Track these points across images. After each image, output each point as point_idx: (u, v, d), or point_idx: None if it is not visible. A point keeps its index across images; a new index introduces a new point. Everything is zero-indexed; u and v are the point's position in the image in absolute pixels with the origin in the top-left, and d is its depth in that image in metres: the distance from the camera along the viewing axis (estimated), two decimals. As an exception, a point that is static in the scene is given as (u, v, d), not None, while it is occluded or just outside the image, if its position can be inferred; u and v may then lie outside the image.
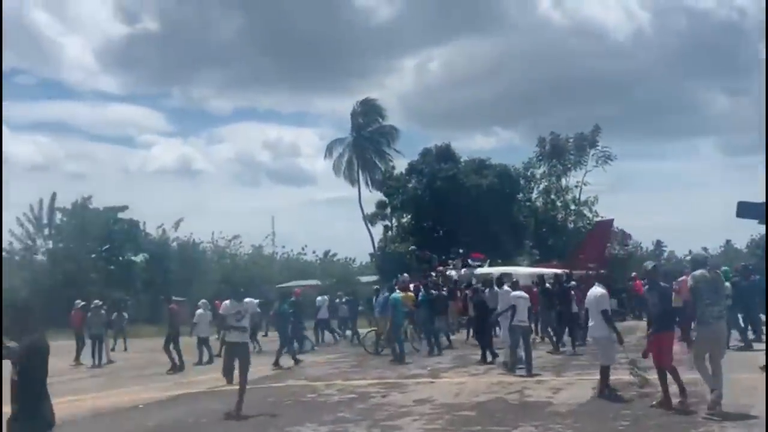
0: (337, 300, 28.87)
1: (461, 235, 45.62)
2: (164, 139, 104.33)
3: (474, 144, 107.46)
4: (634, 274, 31.95)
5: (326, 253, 64.42)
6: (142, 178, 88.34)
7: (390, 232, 52.57)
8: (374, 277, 50.66)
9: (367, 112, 53.63)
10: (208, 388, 14.41)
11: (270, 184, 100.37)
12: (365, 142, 53.71)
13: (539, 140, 49.38)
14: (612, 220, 40.32)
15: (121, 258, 50.62)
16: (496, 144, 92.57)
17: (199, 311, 20.60)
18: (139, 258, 51.50)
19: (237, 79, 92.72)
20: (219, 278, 47.78)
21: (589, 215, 52.63)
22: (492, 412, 10.49)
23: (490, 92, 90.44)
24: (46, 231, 47.78)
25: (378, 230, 54.31)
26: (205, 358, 19.67)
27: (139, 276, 49.79)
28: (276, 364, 17.26)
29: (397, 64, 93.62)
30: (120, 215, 50.47)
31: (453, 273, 32.57)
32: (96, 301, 22.25)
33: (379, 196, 53.77)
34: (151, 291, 46.29)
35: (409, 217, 50.68)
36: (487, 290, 17.73)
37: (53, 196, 47.90)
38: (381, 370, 16.07)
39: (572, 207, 52.70)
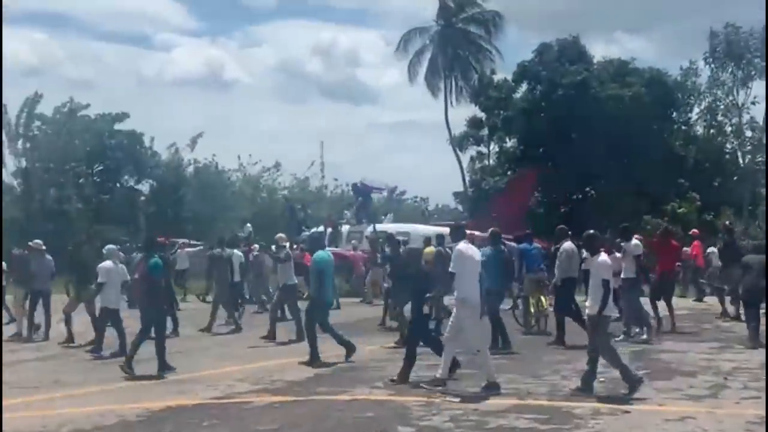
0: None
1: (592, 166, 40.89)
2: (187, 39, 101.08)
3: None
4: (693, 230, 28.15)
5: (392, 191, 60.94)
6: (157, 88, 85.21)
7: (487, 162, 48.00)
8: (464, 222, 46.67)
9: (462, -10, 48.56)
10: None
11: (320, 101, 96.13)
12: (457, 34, 48.71)
13: (711, 34, 43.58)
14: (533, 172, 38.47)
15: (118, 184, 47.75)
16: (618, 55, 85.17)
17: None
18: (144, 186, 48.80)
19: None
20: (251, 216, 44.42)
21: (772, 145, 47.22)
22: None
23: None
24: (20, 144, 44.63)
25: (466, 160, 50.08)
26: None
27: (142, 209, 46.89)
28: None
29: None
30: (118, 127, 47.27)
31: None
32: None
33: (470, 112, 49.20)
34: (158, 229, 43.21)
35: (515, 140, 45.84)
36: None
37: (34, 97, 44.64)
38: (512, 375, 11.76)
39: (748, 133, 47.00)
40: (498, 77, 48.24)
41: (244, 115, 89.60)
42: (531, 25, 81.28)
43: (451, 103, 49.42)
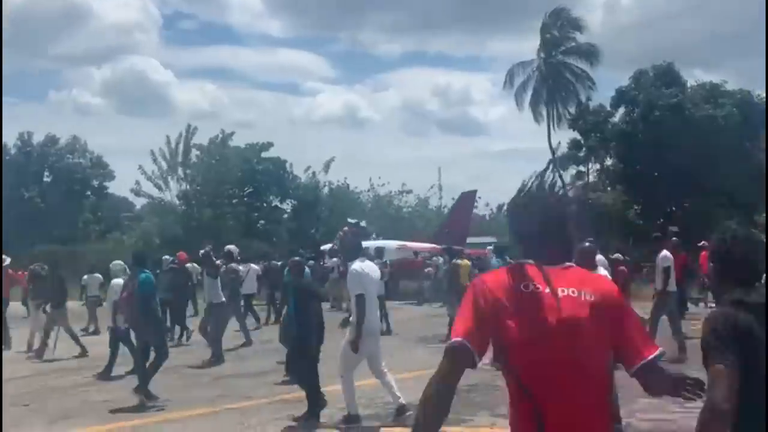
0: None
1: (686, 181, 37.21)
2: (329, 87, 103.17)
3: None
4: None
5: (500, 207, 58.92)
6: (304, 127, 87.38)
7: (586, 179, 44.64)
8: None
9: (560, 26, 45.49)
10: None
11: (438, 134, 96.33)
12: (557, 65, 45.69)
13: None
14: (475, 191, 38.96)
15: (264, 204, 46.63)
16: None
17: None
18: (287, 205, 47.68)
19: (407, 21, 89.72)
20: (378, 231, 42.61)
21: None
22: None
23: (687, 30, 78.68)
24: (180, 171, 43.97)
25: (566, 179, 46.78)
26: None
27: (285, 225, 45.61)
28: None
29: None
30: (264, 155, 46.24)
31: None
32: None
33: (570, 136, 46.01)
34: (298, 243, 41.86)
35: (615, 159, 42.37)
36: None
37: (189, 130, 43.88)
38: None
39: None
40: (594, 103, 45.20)
41: (374, 146, 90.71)
42: (620, 58, 77.50)
43: (553, 128, 46.42)
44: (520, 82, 47.11)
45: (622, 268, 13.67)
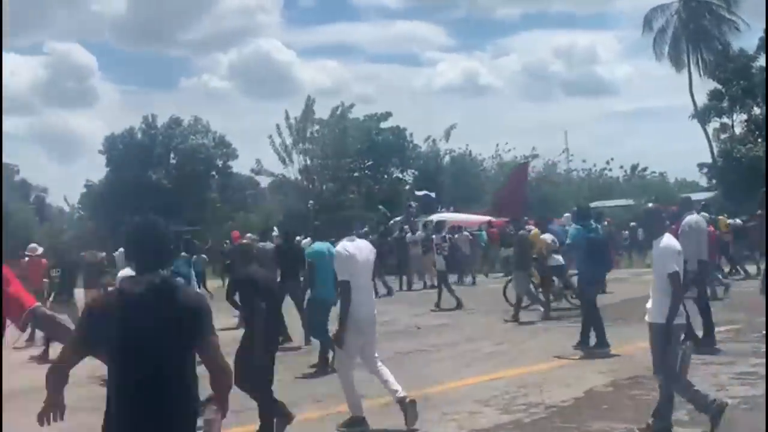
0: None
1: None
2: (448, 55, 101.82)
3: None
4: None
5: (634, 168, 55.45)
6: (425, 97, 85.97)
7: (731, 132, 40.51)
8: (707, 194, 39.92)
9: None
10: None
11: (563, 97, 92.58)
12: (699, 7, 41.55)
13: None
14: (527, 163, 39.58)
15: (386, 175, 45.41)
16: None
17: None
18: (408, 176, 46.41)
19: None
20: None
21: None
22: None
23: None
24: (302, 146, 43.49)
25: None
26: None
27: (407, 196, 44.37)
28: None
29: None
30: (383, 125, 45.04)
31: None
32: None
33: (707, 87, 41.79)
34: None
35: (764, 107, 38.14)
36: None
37: (309, 102, 43.14)
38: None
39: None
40: (735, 47, 40.81)
41: (497, 113, 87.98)
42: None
43: (700, 74, 42.28)
44: (657, 27, 43.01)
45: (710, 229, 12.25)
